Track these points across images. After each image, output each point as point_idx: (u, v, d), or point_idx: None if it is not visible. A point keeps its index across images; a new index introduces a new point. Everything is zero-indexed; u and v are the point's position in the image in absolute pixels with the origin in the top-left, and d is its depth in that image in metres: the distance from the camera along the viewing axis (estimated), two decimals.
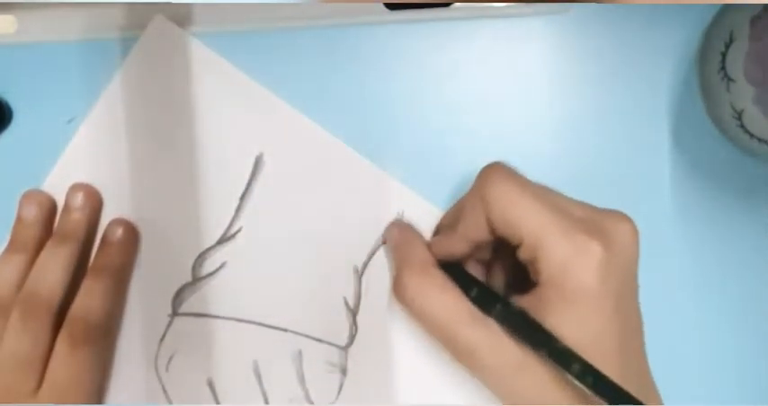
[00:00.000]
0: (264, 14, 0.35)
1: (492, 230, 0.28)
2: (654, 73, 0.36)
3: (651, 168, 0.36)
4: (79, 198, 0.35)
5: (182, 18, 0.36)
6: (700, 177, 0.36)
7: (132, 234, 0.35)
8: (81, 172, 0.36)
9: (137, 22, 0.36)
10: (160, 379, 0.36)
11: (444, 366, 0.35)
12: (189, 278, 0.36)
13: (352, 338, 0.36)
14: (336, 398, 0.35)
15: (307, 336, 0.36)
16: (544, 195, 0.28)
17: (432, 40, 0.36)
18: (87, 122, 0.36)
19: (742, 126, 0.32)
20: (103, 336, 0.34)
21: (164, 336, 0.36)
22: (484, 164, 0.35)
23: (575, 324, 0.26)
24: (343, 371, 0.35)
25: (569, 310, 0.26)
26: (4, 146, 0.36)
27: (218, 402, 0.36)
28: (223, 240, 0.36)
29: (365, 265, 0.36)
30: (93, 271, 0.34)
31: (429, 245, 0.31)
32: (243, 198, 0.36)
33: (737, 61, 0.32)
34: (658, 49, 0.36)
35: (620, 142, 0.36)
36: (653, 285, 0.35)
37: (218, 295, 0.36)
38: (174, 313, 0.36)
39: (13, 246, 0.34)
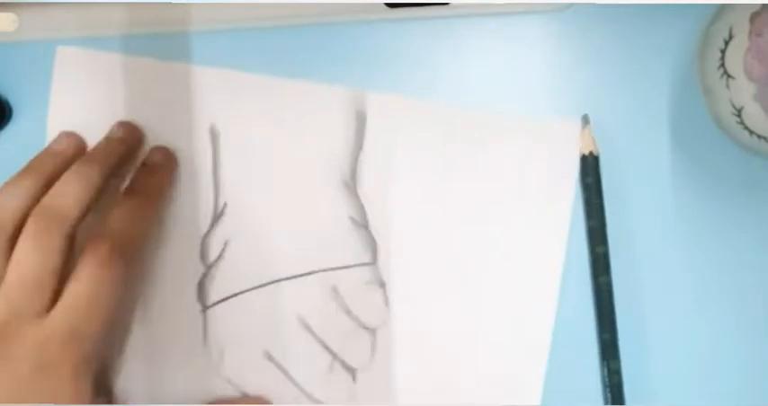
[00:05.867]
0: (264, 13, 0.36)
1: None
2: (653, 70, 0.35)
3: (651, 166, 0.36)
4: (120, 132, 0.35)
5: (180, 17, 0.36)
6: (700, 174, 0.36)
7: (171, 160, 0.36)
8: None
9: (137, 21, 0.36)
10: (221, 374, 0.36)
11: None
12: (202, 269, 0.36)
13: (374, 252, 0.36)
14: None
15: (333, 269, 0.36)
16: None
17: (431, 38, 0.36)
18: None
19: (742, 123, 0.32)
20: (132, 257, 0.33)
21: (205, 334, 0.36)
22: None
23: None
24: (382, 284, 0.36)
25: None
26: (4, 146, 0.36)
27: (285, 371, 0.36)
28: (215, 220, 0.36)
29: (353, 175, 0.36)
30: (127, 192, 0.34)
31: None
32: (215, 173, 0.36)
33: (737, 58, 0.32)
34: (658, 46, 0.35)
35: (620, 140, 0.36)
36: (652, 284, 0.35)
37: (235, 271, 0.36)
38: (205, 308, 0.36)
39: (27, 171, 0.33)
